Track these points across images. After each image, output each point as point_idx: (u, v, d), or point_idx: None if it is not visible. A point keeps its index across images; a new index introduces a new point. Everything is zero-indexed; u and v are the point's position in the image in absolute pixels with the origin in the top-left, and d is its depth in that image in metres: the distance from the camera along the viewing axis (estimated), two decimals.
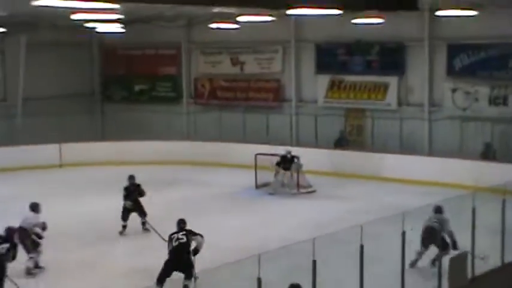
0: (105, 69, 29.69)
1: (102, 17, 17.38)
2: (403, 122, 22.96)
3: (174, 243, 11.71)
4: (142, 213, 15.99)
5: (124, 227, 15.92)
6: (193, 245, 11.89)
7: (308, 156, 21.03)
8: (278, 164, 20.11)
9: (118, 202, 16.08)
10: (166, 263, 11.56)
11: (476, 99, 21.78)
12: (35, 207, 13.89)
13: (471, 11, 18.31)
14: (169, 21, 25.21)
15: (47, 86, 26.98)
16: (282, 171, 20.07)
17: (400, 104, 23.46)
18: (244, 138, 24.89)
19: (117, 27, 22.49)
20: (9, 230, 12.38)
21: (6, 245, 11.97)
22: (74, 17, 16.79)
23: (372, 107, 24.00)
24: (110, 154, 24.50)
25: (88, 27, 22.87)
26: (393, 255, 10.43)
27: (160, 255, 13.84)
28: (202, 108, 27.52)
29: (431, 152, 22.43)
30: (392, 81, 23.45)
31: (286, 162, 20.10)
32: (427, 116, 22.83)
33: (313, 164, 21.17)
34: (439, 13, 19.49)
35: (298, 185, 20.07)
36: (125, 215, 15.92)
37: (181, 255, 11.62)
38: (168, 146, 24.93)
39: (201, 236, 11.86)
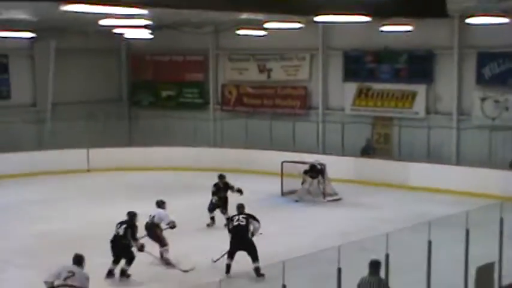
0: (133, 75, 29.87)
1: (130, 23, 17.50)
2: (430, 131, 22.79)
3: (235, 223, 13.07)
4: (225, 210, 16.99)
5: (212, 218, 17.15)
6: (250, 228, 13.09)
7: (334, 164, 20.98)
8: (306, 172, 20.04)
9: (145, 207, 16.08)
10: (231, 242, 12.99)
11: (506, 109, 21.57)
12: (161, 204, 14.71)
13: (503, 18, 18.03)
14: (196, 27, 25.32)
15: (76, 91, 27.25)
16: (309, 179, 20.01)
17: (428, 112, 23.29)
18: (271, 145, 24.87)
19: (145, 34, 22.61)
20: (130, 215, 13.48)
21: (123, 226, 13.25)
22: (102, 23, 16.93)
23: (399, 115, 23.86)
24: (137, 159, 24.64)
25: (116, 33, 23.05)
26: (419, 265, 10.33)
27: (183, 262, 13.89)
28: (229, 115, 27.56)
29: (459, 161, 22.24)
30: (421, 89, 23.30)
31: (314, 171, 20.02)
32: (455, 124, 22.64)
33: (339, 172, 21.11)
34: (469, 20, 19.31)
35: (324, 193, 19.99)
36: (211, 208, 17.19)
37: (242, 236, 12.95)
38: (194, 152, 25.01)
39: (258, 221, 13.12)
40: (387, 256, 9.39)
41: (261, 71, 26.85)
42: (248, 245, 12.86)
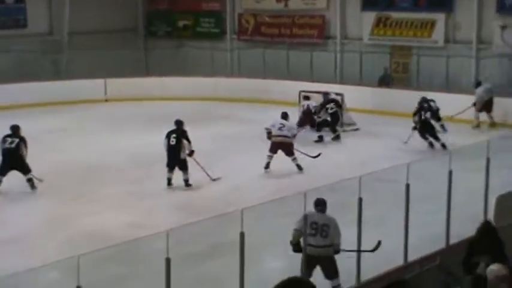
0: (148, 4, 29.61)
1: None
2: (449, 60, 22.58)
3: None
4: None
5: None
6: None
7: (352, 94, 20.90)
8: (322, 105, 19.91)
9: (160, 136, 16.16)
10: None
11: None
12: (285, 116, 16.08)
13: None
14: None
15: (92, 20, 27.03)
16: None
17: (447, 41, 23.02)
18: (288, 75, 24.75)
19: None
20: (178, 122, 14.77)
21: (174, 135, 14.37)
22: None
23: (418, 45, 23.61)
24: (153, 89, 24.65)
25: None
26: (439, 195, 10.37)
27: (204, 191, 14.04)
28: (246, 45, 27.36)
29: None
30: (440, 17, 22.97)
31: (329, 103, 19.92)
32: (474, 53, 22.39)
33: (357, 102, 21.03)
34: None
35: (342, 123, 19.95)
36: None
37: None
38: (211, 82, 24.95)
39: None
40: (407, 186, 9.41)
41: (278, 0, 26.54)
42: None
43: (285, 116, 16.10)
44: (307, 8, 25.87)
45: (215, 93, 24.23)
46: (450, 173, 9.99)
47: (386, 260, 9.48)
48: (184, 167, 14.45)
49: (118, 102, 23.93)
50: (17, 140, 14.13)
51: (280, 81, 24.04)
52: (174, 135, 14.48)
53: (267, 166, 15.61)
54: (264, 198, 10.42)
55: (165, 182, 14.49)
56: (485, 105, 20.07)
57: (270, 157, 15.65)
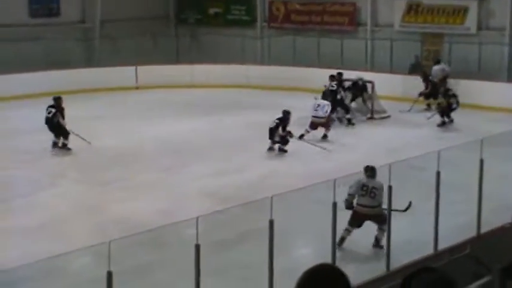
0: None
1: None
2: (482, 47, 22.31)
3: None
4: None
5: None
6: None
7: (382, 82, 20.74)
8: (348, 88, 19.85)
9: (192, 124, 16.26)
10: None
11: None
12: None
13: None
14: None
15: (124, 8, 27.13)
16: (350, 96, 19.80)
17: (479, 28, 22.75)
18: (318, 62, 24.65)
19: None
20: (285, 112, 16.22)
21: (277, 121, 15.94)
22: None
23: (449, 32, 23.35)
24: (184, 77, 24.68)
25: None
26: (470, 183, 10.29)
27: (234, 179, 14.07)
28: (276, 32, 27.27)
29: (510, 79, 21.80)
30: (472, 4, 22.70)
31: (357, 89, 19.81)
32: (507, 40, 22.09)
33: (387, 89, 20.89)
34: None
35: (372, 111, 19.85)
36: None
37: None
38: (241, 69, 24.94)
39: None
40: (438, 173, 9.36)
41: None
42: None
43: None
44: None
45: (245, 81, 24.22)
46: (481, 161, 9.91)
47: (416, 248, 9.46)
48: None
49: (149, 89, 24.03)
50: (54, 110, 16.19)
51: (310, 69, 23.96)
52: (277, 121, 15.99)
53: (301, 136, 16.64)
54: (294, 185, 10.40)
55: (196, 169, 14.59)
56: (435, 87, 20.10)
57: (307, 132, 16.93)
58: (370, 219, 9.99)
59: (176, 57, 28.14)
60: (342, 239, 9.82)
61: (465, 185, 11.04)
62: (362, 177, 10.05)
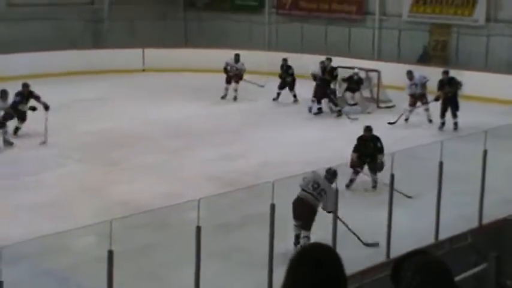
0: None
1: None
2: (490, 39, 22.26)
3: None
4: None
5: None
6: None
7: (390, 71, 20.71)
8: (344, 80, 19.75)
9: (199, 108, 16.31)
10: None
11: None
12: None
13: None
14: None
15: None
16: (349, 94, 19.68)
17: (488, 20, 22.68)
18: (326, 50, 24.59)
19: None
20: None
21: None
22: None
23: (458, 23, 23.28)
24: (191, 61, 24.66)
25: None
26: (473, 174, 10.31)
27: (238, 164, 14.11)
28: (284, 19, 27.23)
29: None
30: None
31: (353, 83, 19.67)
32: None
33: (394, 79, 20.81)
34: None
35: (378, 100, 19.84)
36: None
37: None
38: (248, 55, 24.85)
39: None
40: (441, 164, 9.38)
41: None
42: None
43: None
44: None
45: (253, 67, 24.16)
46: (485, 152, 9.94)
47: (418, 238, 9.48)
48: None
49: (155, 72, 24.05)
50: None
51: (317, 56, 23.88)
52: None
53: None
54: (296, 172, 10.43)
55: (201, 153, 14.70)
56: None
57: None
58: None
59: (184, 41, 28.15)
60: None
61: (468, 176, 11.06)
62: (319, 173, 9.70)
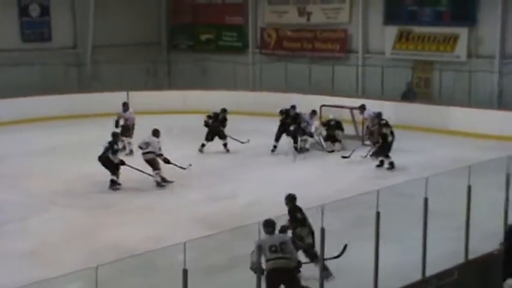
0: (171, 18, 29.85)
1: None
2: (472, 75, 22.49)
3: None
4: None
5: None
6: None
7: (374, 108, 20.83)
8: (323, 124, 19.81)
9: (183, 150, 16.34)
10: None
11: None
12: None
13: None
14: None
15: (116, 34, 27.38)
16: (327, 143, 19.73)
17: (469, 56, 22.96)
18: (310, 89, 24.78)
19: None
20: None
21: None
22: None
23: (440, 59, 23.57)
24: (176, 102, 24.77)
25: None
26: (458, 210, 10.33)
27: (225, 205, 14.08)
28: (268, 59, 27.47)
29: (501, 106, 21.96)
30: (463, 32, 22.94)
31: (331, 129, 19.73)
32: (497, 68, 22.29)
33: None
34: None
35: (363, 137, 19.93)
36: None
37: None
38: (233, 95, 25.03)
39: None
40: (426, 200, 9.40)
41: (300, 13, 26.65)
42: None
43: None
44: (329, 22, 25.95)
45: (236, 107, 24.28)
46: (469, 188, 9.97)
47: (404, 275, 9.46)
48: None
49: (140, 115, 24.02)
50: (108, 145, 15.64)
51: (302, 95, 24.07)
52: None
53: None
54: (282, 211, 10.42)
55: (187, 195, 14.70)
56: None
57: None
58: (284, 279, 8.87)
59: (168, 83, 28.28)
60: None
61: (453, 211, 11.08)
62: (263, 238, 8.76)
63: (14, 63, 24.39)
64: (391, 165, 17.19)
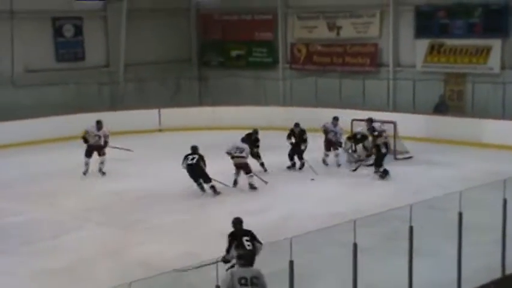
0: (202, 35, 30.04)
1: None
2: (506, 87, 22.26)
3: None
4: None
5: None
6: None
7: (405, 122, 20.75)
8: (349, 138, 19.71)
9: (215, 166, 16.37)
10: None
11: None
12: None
13: None
14: None
15: (147, 52, 27.65)
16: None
17: (503, 67, 22.75)
18: (340, 103, 24.70)
19: None
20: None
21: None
22: None
23: (473, 71, 23.37)
24: (207, 119, 24.87)
25: None
26: (493, 224, 10.20)
27: (256, 220, 14.05)
28: (298, 74, 27.48)
29: None
30: (496, 44, 22.74)
31: (357, 142, 19.58)
32: None
33: (410, 130, 20.88)
34: None
35: (395, 152, 19.81)
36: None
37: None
38: (264, 111, 25.06)
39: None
40: (460, 214, 9.30)
41: (330, 28, 26.64)
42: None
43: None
44: (359, 37, 25.91)
45: (268, 123, 24.30)
46: (505, 201, 9.84)
47: None
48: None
49: (172, 132, 24.21)
50: (197, 156, 16.41)
51: (332, 110, 23.95)
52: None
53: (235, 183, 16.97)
54: (314, 227, 10.39)
55: (218, 210, 14.66)
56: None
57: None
58: None
59: (199, 100, 28.42)
60: None
61: (488, 226, 10.95)
62: (235, 269, 8.45)
63: (49, 82, 24.74)
64: (385, 173, 17.36)
